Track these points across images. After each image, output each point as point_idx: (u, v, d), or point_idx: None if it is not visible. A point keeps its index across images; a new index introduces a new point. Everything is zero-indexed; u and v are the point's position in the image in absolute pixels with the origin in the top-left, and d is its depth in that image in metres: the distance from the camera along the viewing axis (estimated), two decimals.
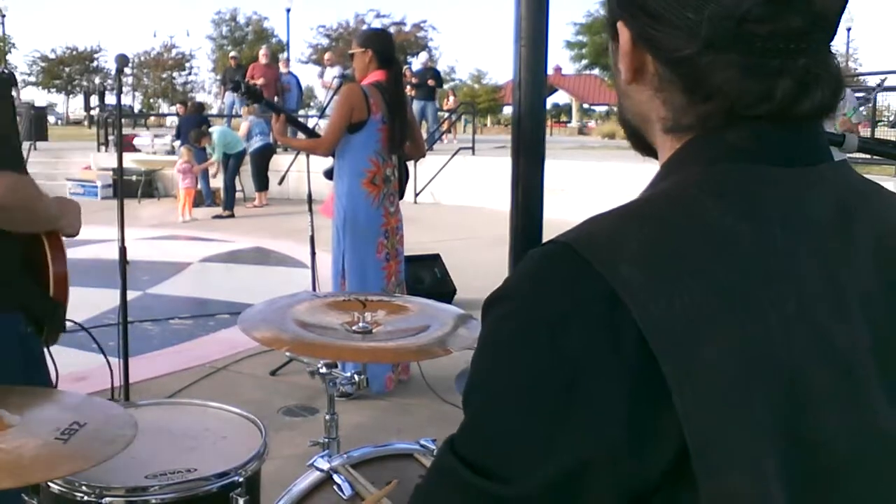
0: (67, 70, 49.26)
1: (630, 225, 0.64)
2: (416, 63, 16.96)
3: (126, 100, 42.44)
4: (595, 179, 10.14)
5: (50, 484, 1.49)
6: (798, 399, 0.58)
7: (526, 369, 0.60)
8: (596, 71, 44.53)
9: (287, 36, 33.14)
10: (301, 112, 15.67)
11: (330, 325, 1.88)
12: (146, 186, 12.89)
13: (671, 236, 0.62)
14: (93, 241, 8.30)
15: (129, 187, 11.84)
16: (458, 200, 11.76)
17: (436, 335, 1.81)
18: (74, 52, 49.37)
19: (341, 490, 1.58)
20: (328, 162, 4.14)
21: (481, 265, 6.07)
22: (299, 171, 5.03)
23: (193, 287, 6.81)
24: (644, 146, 0.78)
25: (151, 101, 49.90)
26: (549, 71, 2.94)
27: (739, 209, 0.63)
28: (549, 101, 37.45)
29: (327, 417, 1.93)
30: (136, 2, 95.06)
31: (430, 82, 15.32)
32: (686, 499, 0.58)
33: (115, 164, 6.05)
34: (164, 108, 44.16)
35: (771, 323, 0.59)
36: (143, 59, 49.56)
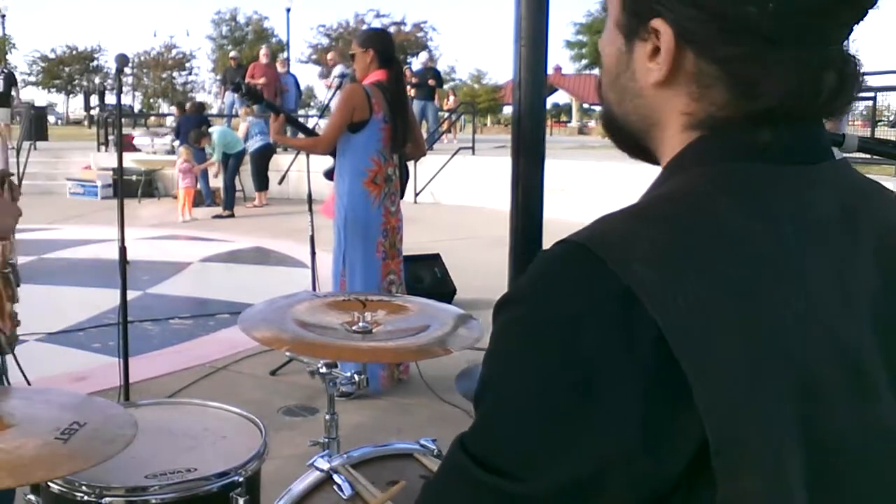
0: (67, 70, 49.29)
1: (642, 224, 0.63)
2: (417, 63, 16.97)
3: (126, 100, 42.57)
4: (595, 179, 10.13)
5: (50, 484, 1.49)
6: (811, 397, 0.58)
7: (540, 369, 0.59)
8: (596, 71, 44.44)
9: (287, 36, 33.25)
10: (301, 112, 15.65)
11: (330, 325, 1.88)
12: (146, 186, 12.87)
13: (684, 235, 0.61)
14: (93, 241, 8.19)
15: (129, 187, 11.84)
16: (458, 200, 11.76)
17: (436, 335, 1.81)
18: (74, 52, 49.42)
19: (341, 490, 1.58)
20: (329, 162, 4.14)
21: (481, 265, 6.07)
22: (299, 171, 5.02)
23: (193, 287, 6.80)
24: (639, 149, 0.76)
25: (151, 101, 49.92)
26: (549, 71, 2.94)
27: (751, 208, 0.62)
28: (549, 101, 37.36)
29: (327, 417, 1.93)
30: (136, 2, 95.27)
31: (431, 82, 15.30)
32: (706, 497, 0.57)
33: (115, 164, 6.05)
34: (164, 108, 44.17)
35: (786, 322, 0.58)
36: (143, 58, 49.65)
